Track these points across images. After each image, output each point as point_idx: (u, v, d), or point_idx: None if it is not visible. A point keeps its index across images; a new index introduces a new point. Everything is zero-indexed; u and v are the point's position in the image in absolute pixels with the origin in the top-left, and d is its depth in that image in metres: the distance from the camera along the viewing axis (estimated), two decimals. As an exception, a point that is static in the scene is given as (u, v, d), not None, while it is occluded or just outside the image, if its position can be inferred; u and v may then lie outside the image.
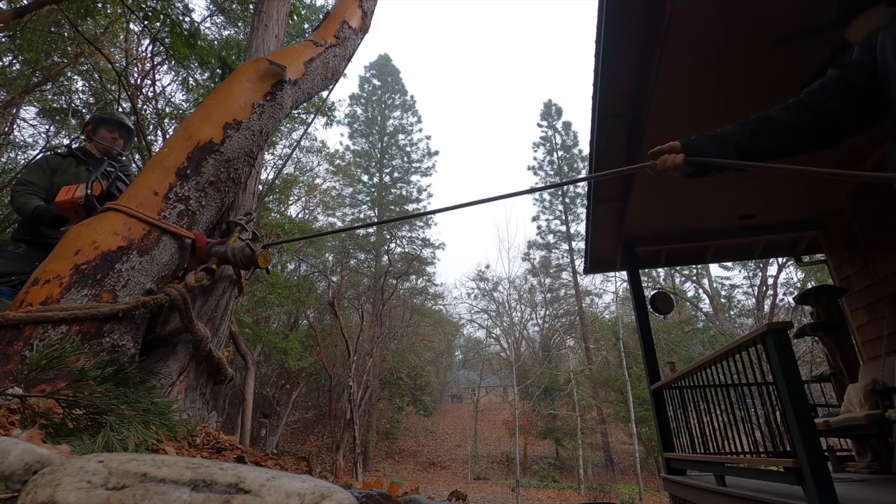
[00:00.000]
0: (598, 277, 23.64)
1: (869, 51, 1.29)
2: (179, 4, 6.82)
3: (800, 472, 2.16)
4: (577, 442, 19.04)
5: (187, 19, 5.59)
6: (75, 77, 9.40)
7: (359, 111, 28.80)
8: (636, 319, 5.29)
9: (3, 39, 7.27)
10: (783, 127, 1.35)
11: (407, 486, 1.26)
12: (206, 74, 7.60)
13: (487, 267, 36.06)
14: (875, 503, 2.29)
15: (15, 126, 10.42)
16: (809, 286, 8.44)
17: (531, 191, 2.31)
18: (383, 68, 29.79)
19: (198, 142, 1.95)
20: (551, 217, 27.62)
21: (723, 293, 23.14)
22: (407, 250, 24.84)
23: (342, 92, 44.87)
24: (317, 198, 20.66)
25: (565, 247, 26.76)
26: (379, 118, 28.67)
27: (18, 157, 10.68)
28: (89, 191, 1.99)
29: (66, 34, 7.77)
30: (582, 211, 26.25)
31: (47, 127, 10.42)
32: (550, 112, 29.48)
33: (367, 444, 19.57)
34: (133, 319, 1.57)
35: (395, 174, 27.72)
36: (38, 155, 10.27)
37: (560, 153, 28.41)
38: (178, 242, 1.80)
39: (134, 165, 8.52)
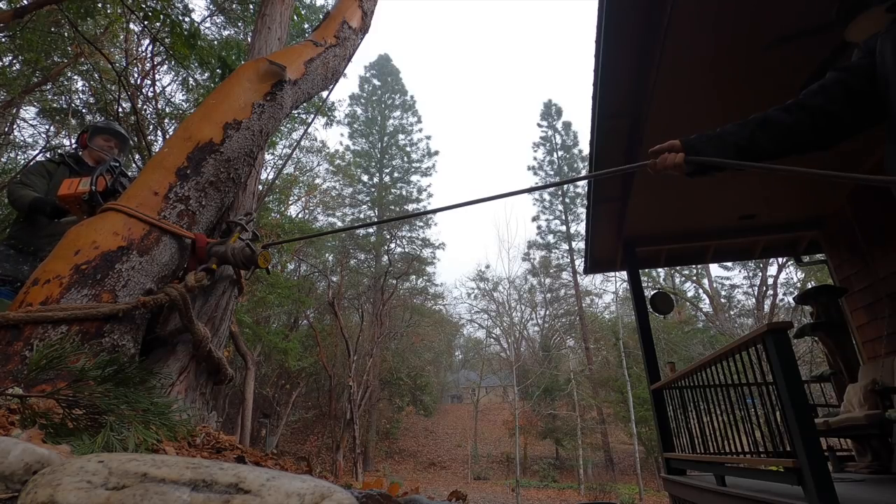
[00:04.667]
0: (598, 277, 23.65)
1: (868, 55, 1.30)
2: (179, 4, 6.82)
3: (800, 472, 2.16)
4: (577, 442, 19.03)
5: (187, 19, 5.58)
6: (75, 77, 9.40)
7: (359, 111, 28.80)
8: (636, 319, 5.29)
9: (3, 39, 7.27)
10: (782, 128, 1.36)
11: (407, 486, 1.26)
12: (206, 74, 7.60)
13: (487, 267, 36.11)
14: (875, 503, 2.30)
15: (15, 126, 10.43)
16: (809, 286, 8.44)
17: (531, 189, 2.31)
18: (383, 68, 29.78)
19: (198, 142, 1.95)
20: (551, 217, 27.63)
21: (723, 293, 23.15)
22: (407, 250, 24.83)
23: (342, 92, 44.90)
24: (317, 198, 20.66)
25: (565, 247, 26.77)
26: (379, 118, 28.65)
27: (18, 157, 10.69)
28: (94, 186, 1.99)
29: (66, 34, 7.77)
30: (582, 211, 26.25)
31: (47, 127, 10.43)
32: (550, 112, 29.48)
33: (367, 444, 19.57)
34: (133, 319, 1.57)
35: (395, 174, 27.71)
36: (37, 155, 10.28)
37: (560, 153, 28.41)
38: (178, 242, 1.80)
39: (134, 165, 8.52)
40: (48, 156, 2.56)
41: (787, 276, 20.93)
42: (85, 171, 2.50)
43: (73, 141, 2.98)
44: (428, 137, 28.52)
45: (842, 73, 1.32)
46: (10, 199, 2.37)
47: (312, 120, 11.99)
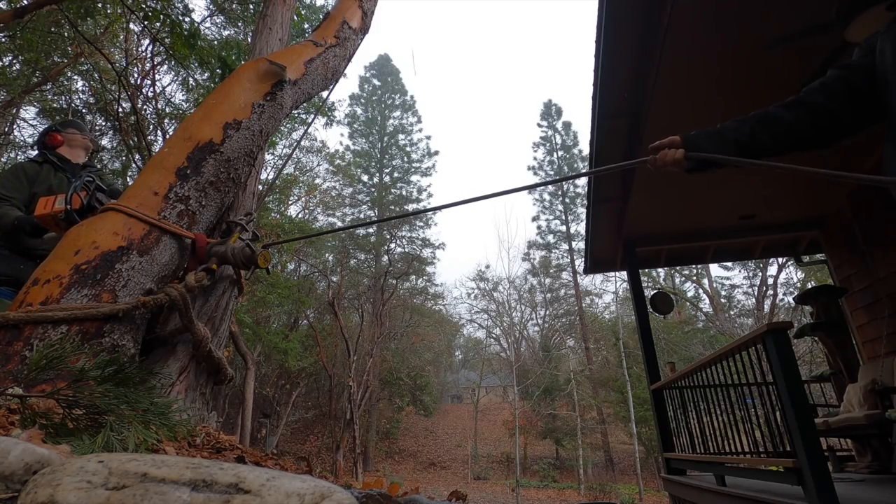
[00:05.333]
0: (598, 277, 23.65)
1: (868, 53, 1.30)
2: (179, 4, 6.81)
3: (800, 472, 2.16)
4: (577, 442, 19.03)
5: (187, 19, 5.59)
6: (75, 77, 9.40)
7: (359, 111, 28.80)
8: (636, 319, 5.29)
9: (3, 39, 7.27)
10: (782, 124, 1.36)
11: (407, 486, 1.26)
12: (206, 74, 7.61)
13: (487, 267, 36.07)
14: (875, 503, 2.30)
15: (15, 126, 10.43)
16: (809, 286, 8.44)
17: (531, 186, 2.32)
18: (383, 68, 29.79)
19: (198, 142, 1.95)
20: (551, 217, 27.63)
21: (723, 293, 23.15)
22: (407, 250, 24.83)
23: (342, 92, 44.85)
24: (317, 198, 20.67)
25: (565, 247, 26.77)
26: (379, 118, 28.66)
27: (18, 157, 10.69)
28: (69, 205, 1.95)
29: (66, 34, 7.77)
30: (582, 211, 26.25)
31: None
32: (550, 112, 29.48)
33: (367, 444, 19.57)
34: (133, 319, 1.57)
35: (395, 174, 27.71)
36: (37, 155, 10.27)
37: (560, 153, 28.41)
38: (178, 242, 1.79)
39: (134, 165, 8.53)
40: (34, 159, 2.48)
41: (787, 276, 20.97)
42: (70, 169, 2.46)
43: (36, 146, 2.83)
44: (428, 137, 28.56)
45: (842, 71, 1.32)
46: None
47: (312, 120, 12.00)
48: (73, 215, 1.94)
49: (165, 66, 9.32)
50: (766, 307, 20.61)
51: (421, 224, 25.93)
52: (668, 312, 6.28)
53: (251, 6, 8.07)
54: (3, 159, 10.31)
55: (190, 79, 8.57)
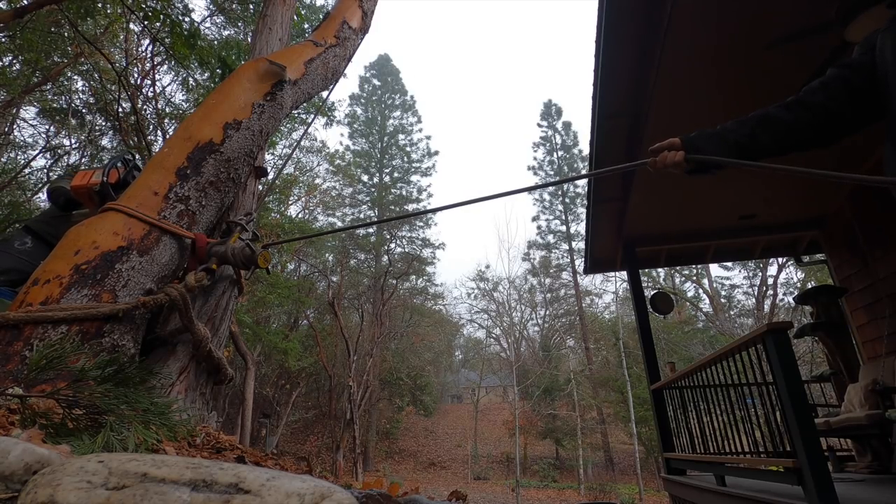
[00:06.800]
0: (598, 277, 23.62)
1: (869, 51, 1.29)
2: (179, 4, 6.81)
3: (800, 472, 2.16)
4: (577, 442, 19.03)
5: (187, 19, 5.58)
6: (75, 77, 9.40)
7: (359, 111, 28.80)
8: (636, 319, 5.29)
9: (3, 39, 7.27)
10: (782, 125, 1.35)
11: (407, 486, 1.26)
12: (206, 74, 7.61)
13: (487, 267, 36.03)
14: (875, 503, 2.30)
15: (15, 126, 10.42)
16: (809, 286, 8.44)
17: (531, 188, 2.31)
18: (383, 68, 29.79)
19: (198, 142, 1.95)
20: (551, 217, 27.63)
21: (723, 293, 23.14)
22: (407, 250, 24.82)
23: (342, 92, 44.84)
24: (317, 198, 20.65)
25: (565, 247, 26.76)
26: (379, 118, 28.66)
27: (18, 157, 10.69)
28: (105, 178, 1.99)
29: (66, 34, 7.77)
30: (582, 211, 26.24)
31: (47, 127, 10.42)
32: (550, 112, 29.47)
33: (367, 444, 19.57)
34: (133, 319, 1.57)
35: (395, 174, 27.71)
36: (37, 155, 10.28)
37: (560, 153, 28.41)
38: (178, 242, 1.80)
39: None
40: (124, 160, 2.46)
41: (787, 276, 20.95)
42: None
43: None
44: (428, 137, 28.55)
45: (843, 70, 1.31)
46: None
47: (312, 120, 11.99)
48: (108, 188, 1.97)
49: (165, 66, 9.32)
50: (766, 307, 20.60)
51: (421, 224, 25.92)
52: (668, 312, 6.28)
53: (251, 6, 8.07)
54: (2, 159, 10.30)
55: (190, 79, 8.57)
